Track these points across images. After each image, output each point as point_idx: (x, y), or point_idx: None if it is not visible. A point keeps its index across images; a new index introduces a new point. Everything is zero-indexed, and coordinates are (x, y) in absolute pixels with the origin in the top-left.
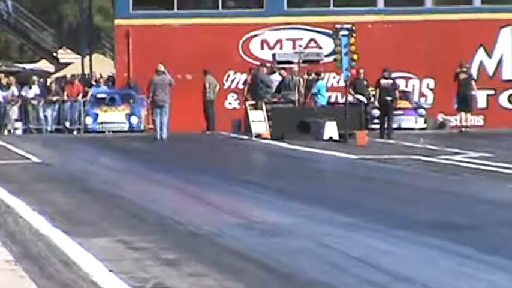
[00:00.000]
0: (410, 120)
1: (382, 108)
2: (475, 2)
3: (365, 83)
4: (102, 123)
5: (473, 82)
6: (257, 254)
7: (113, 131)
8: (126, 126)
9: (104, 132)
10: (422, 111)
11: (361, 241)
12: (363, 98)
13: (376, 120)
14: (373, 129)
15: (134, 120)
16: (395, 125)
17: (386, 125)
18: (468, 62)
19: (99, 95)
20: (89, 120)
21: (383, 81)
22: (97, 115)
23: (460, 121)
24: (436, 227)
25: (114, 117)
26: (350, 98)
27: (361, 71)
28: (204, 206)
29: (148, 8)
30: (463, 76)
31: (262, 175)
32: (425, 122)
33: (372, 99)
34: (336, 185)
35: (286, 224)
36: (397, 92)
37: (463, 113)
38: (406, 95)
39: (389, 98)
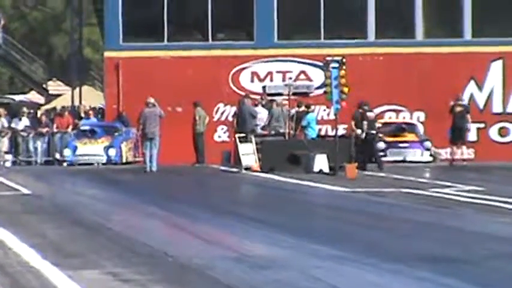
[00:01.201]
0: (416, 153)
1: (368, 141)
2: (466, 35)
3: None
4: (79, 155)
5: (468, 115)
6: (247, 286)
7: (90, 164)
8: (103, 159)
9: (83, 164)
10: (428, 144)
11: (351, 274)
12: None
13: (381, 153)
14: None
15: (112, 152)
16: (400, 158)
17: (373, 158)
18: (461, 95)
19: (83, 127)
20: (67, 152)
21: (369, 114)
22: (76, 147)
23: (451, 154)
24: (427, 260)
25: (92, 150)
26: (359, 131)
27: (366, 105)
28: (194, 239)
29: (138, 40)
30: (459, 109)
31: (252, 208)
32: (431, 155)
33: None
34: (326, 218)
35: (276, 256)
36: (376, 124)
37: (454, 147)
38: (412, 128)
39: (373, 132)
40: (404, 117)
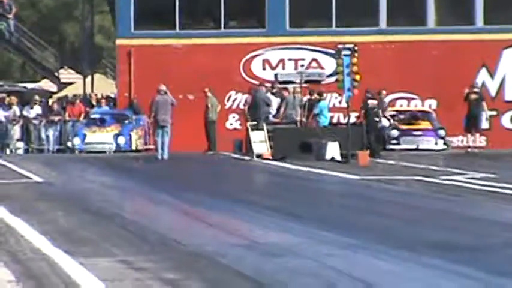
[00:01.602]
0: (429, 141)
1: (370, 128)
2: (478, 23)
3: (384, 105)
4: (88, 143)
5: (483, 102)
6: (259, 274)
7: (99, 152)
8: (113, 147)
9: (93, 152)
10: (442, 132)
11: (364, 261)
12: (385, 120)
13: (395, 141)
14: (392, 149)
15: (121, 140)
16: (413, 146)
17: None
18: (473, 82)
19: (93, 116)
20: (76, 140)
21: (370, 102)
22: (85, 135)
23: (467, 141)
24: (439, 247)
25: (101, 138)
26: (381, 119)
27: (384, 92)
28: (206, 226)
29: (150, 28)
30: (474, 96)
31: (264, 196)
32: (445, 144)
33: (392, 120)
34: (338, 206)
35: (288, 244)
36: (380, 111)
37: (469, 134)
38: (427, 115)
39: (376, 119)
40: (416, 105)
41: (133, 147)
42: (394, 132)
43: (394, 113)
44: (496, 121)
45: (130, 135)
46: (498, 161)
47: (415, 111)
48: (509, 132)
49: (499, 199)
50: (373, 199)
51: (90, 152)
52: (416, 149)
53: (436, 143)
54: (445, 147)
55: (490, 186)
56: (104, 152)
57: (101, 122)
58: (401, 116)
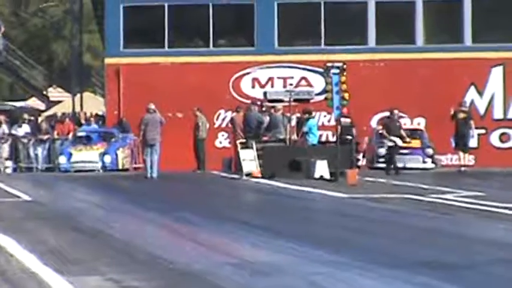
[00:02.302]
0: (417, 160)
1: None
2: (467, 41)
3: (398, 124)
4: (74, 162)
5: (471, 121)
6: None
7: (85, 171)
8: (99, 166)
9: (78, 171)
10: (429, 151)
11: (352, 280)
12: (398, 140)
13: (382, 160)
14: (380, 168)
15: (107, 159)
16: (400, 165)
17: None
18: (462, 101)
19: (79, 134)
20: (62, 159)
21: (342, 120)
22: (71, 154)
23: (459, 160)
24: (427, 265)
25: (87, 157)
26: (386, 141)
27: (396, 112)
28: (195, 245)
29: (138, 47)
30: (462, 115)
31: (253, 214)
32: (433, 162)
33: (407, 139)
34: (327, 224)
35: (277, 262)
36: (354, 129)
37: (460, 152)
38: (418, 134)
39: (349, 137)
40: (405, 124)
41: (120, 166)
42: (381, 151)
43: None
44: (484, 139)
45: (116, 154)
46: (486, 180)
47: (405, 129)
48: (497, 151)
49: (486, 217)
50: (362, 217)
51: (76, 171)
52: (404, 168)
53: (424, 162)
54: (433, 165)
55: (478, 205)
56: (91, 171)
57: (88, 141)
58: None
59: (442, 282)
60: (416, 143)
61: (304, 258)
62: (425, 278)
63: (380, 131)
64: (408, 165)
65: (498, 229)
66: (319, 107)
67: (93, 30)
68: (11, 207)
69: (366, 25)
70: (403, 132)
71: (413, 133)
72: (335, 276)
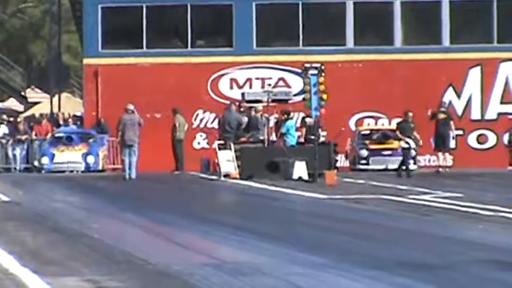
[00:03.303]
0: (398, 161)
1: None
2: (444, 42)
3: (412, 126)
4: (57, 163)
5: (451, 122)
6: None
7: (69, 171)
8: (82, 166)
9: (62, 172)
10: (412, 152)
11: (331, 280)
12: (411, 142)
13: (364, 161)
14: (362, 170)
15: (91, 159)
16: (382, 166)
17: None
18: (441, 101)
19: (57, 134)
20: (45, 160)
21: (308, 120)
22: (53, 155)
23: (438, 160)
24: (407, 266)
25: (71, 157)
26: (402, 143)
27: (410, 114)
28: (174, 246)
29: (117, 47)
30: (442, 116)
31: (231, 215)
32: (415, 163)
33: (421, 142)
34: (305, 225)
35: (256, 263)
36: (320, 130)
37: (440, 153)
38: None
39: (313, 137)
40: (383, 124)
41: (100, 167)
42: (363, 152)
43: (367, 132)
44: (462, 140)
45: (98, 155)
46: (464, 181)
47: (388, 130)
48: (475, 152)
49: (464, 218)
50: (340, 218)
51: (59, 171)
52: (386, 169)
53: None
54: (415, 167)
55: (456, 205)
56: (72, 171)
57: (69, 141)
58: (372, 136)
59: (421, 283)
60: (397, 144)
61: (283, 259)
62: (404, 279)
63: (397, 132)
64: (390, 167)
65: (476, 230)
66: (297, 108)
67: (72, 31)
68: None
69: (344, 26)
70: (416, 135)
71: (394, 134)
72: (314, 277)
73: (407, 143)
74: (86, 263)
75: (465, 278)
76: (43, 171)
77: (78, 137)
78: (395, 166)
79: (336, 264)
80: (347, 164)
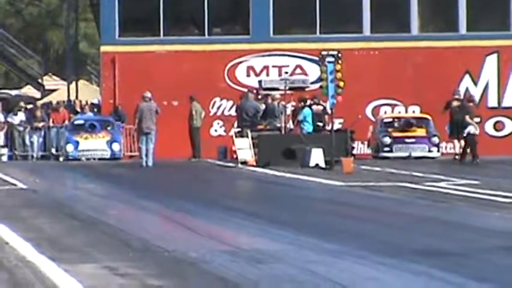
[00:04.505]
0: (422, 148)
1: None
2: (461, 30)
3: (472, 110)
4: (83, 150)
5: (469, 109)
6: (244, 280)
7: (94, 159)
8: (108, 154)
9: (88, 159)
10: (435, 139)
11: (348, 268)
12: (473, 128)
13: (387, 149)
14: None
15: (116, 147)
16: (406, 154)
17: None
18: (458, 89)
19: (76, 122)
20: (70, 147)
21: (314, 107)
22: (78, 142)
23: (454, 148)
24: (423, 253)
25: (96, 145)
26: (472, 128)
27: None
28: (191, 233)
29: (134, 35)
30: (455, 103)
31: (248, 202)
32: (438, 151)
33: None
34: (322, 212)
35: (273, 251)
36: (327, 117)
37: (455, 141)
38: (424, 122)
39: (320, 124)
40: (399, 112)
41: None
42: (387, 140)
43: (389, 119)
44: (479, 128)
45: (121, 142)
46: (481, 168)
47: (410, 117)
48: (491, 139)
49: (481, 205)
50: (357, 205)
51: (86, 159)
52: (409, 157)
53: (429, 150)
54: (438, 154)
55: (473, 193)
56: (98, 159)
57: (91, 129)
58: (396, 123)
59: (438, 270)
60: (421, 132)
61: (299, 246)
62: (421, 266)
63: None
64: (414, 154)
65: (493, 217)
66: (314, 96)
67: (89, 18)
68: (7, 195)
69: (361, 13)
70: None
71: (419, 122)
72: (331, 264)
73: (474, 126)
74: (103, 250)
75: (482, 265)
76: (61, 159)
77: (100, 125)
78: (419, 154)
79: (353, 251)
80: (366, 151)
